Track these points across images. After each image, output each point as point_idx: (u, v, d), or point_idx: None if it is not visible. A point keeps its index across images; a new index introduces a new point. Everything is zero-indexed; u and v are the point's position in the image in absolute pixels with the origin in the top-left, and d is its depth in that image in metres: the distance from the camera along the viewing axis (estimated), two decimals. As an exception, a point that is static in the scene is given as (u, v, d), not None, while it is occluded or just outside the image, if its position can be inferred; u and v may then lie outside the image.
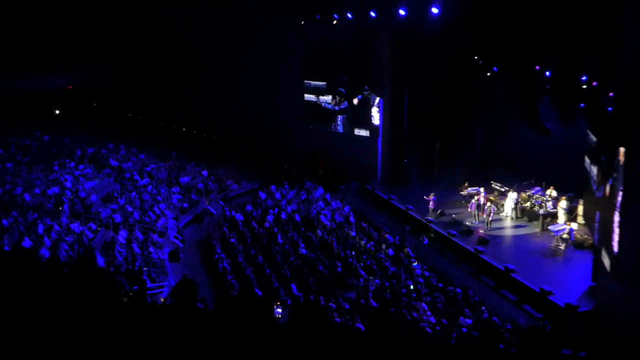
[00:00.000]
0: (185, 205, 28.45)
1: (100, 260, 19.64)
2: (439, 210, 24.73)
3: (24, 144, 32.47)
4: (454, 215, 24.33)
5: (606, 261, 16.27)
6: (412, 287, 18.31)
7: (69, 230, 22.45)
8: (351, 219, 26.04)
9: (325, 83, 32.09)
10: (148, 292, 17.37)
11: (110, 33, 35.48)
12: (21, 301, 4.65)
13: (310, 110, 33.02)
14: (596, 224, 18.42)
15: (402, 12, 25.25)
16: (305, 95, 32.98)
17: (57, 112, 39.73)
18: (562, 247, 20.63)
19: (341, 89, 31.85)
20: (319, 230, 24.10)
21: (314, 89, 32.74)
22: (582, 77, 20.08)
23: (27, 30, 33.87)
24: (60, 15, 33.81)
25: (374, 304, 17.22)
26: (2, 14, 32.36)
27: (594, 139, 19.54)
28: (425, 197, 25.18)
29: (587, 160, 20.89)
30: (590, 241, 20.33)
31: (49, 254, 19.09)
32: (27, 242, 20.28)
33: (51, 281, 6.53)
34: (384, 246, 22.32)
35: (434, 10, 23.78)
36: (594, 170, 19.19)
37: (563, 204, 22.33)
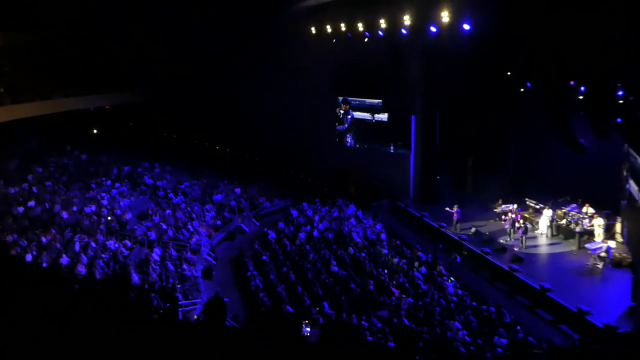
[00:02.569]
0: (219, 222, 28.70)
1: (135, 277, 19.93)
2: (473, 228, 24.50)
3: (63, 163, 33.26)
4: (487, 233, 24.03)
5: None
6: (443, 308, 18.07)
7: (105, 247, 22.86)
8: (383, 236, 25.91)
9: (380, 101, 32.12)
10: (181, 309, 17.52)
11: (146, 55, 36.28)
12: (56, 316, 4.76)
13: (358, 128, 33.13)
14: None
15: (433, 29, 25.27)
16: (356, 113, 33.11)
17: (95, 131, 40.63)
18: (600, 265, 20.16)
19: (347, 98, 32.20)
20: (351, 248, 24.04)
21: (369, 107, 32.59)
22: (618, 92, 19.73)
23: (68, 52, 34.85)
24: (100, 37, 34.71)
25: (407, 322, 17.06)
26: (47, 34, 33.46)
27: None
28: (447, 209, 25.41)
29: (627, 177, 20.45)
30: (629, 260, 19.84)
31: (86, 271, 19.46)
32: (64, 259, 20.71)
33: (86, 297, 6.66)
34: (416, 264, 22.14)
35: (466, 26, 23.75)
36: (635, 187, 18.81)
37: (599, 221, 21.86)
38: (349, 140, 33.17)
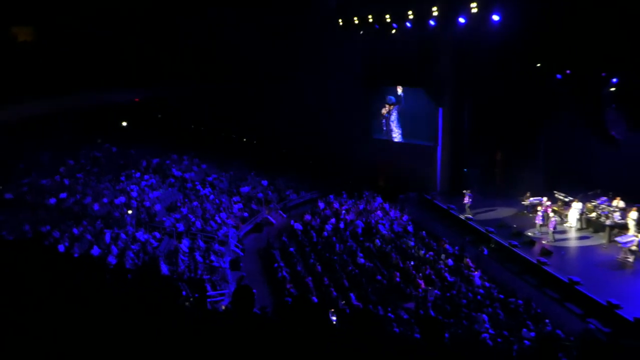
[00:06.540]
0: (246, 214, 28.92)
1: (164, 268, 20.23)
2: (500, 222, 24.40)
3: (93, 156, 33.80)
4: (515, 226, 23.83)
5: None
6: (470, 300, 17.98)
7: (134, 239, 23.21)
8: (410, 228, 25.88)
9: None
10: (209, 299, 17.73)
11: (174, 50, 36.71)
12: (88, 305, 4.88)
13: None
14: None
15: (462, 20, 25.03)
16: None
17: (124, 124, 41.15)
18: (631, 259, 19.81)
19: (391, 97, 31.84)
20: (377, 240, 24.04)
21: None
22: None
23: (99, 46, 35.36)
24: (131, 33, 35.16)
25: (433, 314, 17.03)
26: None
27: None
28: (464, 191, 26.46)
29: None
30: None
31: (116, 262, 19.81)
32: (95, 250, 21.10)
33: (117, 287, 6.81)
34: (443, 256, 22.06)
35: (495, 17, 23.48)
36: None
37: (634, 214, 21.45)
38: (395, 136, 32.89)
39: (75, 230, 22.95)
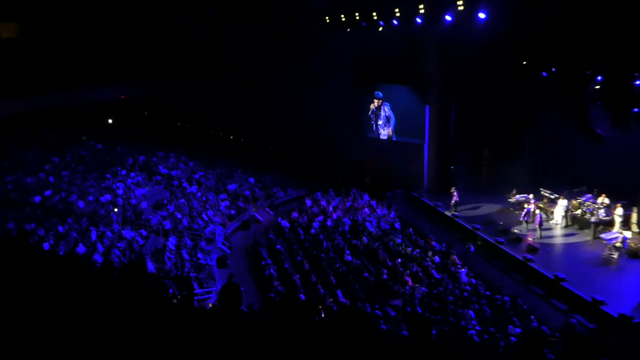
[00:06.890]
0: (233, 212, 28.83)
1: (151, 266, 20.12)
2: (486, 219, 24.53)
3: (79, 153, 33.52)
4: (501, 223, 23.96)
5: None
6: (457, 297, 18.05)
7: (120, 236, 23.07)
8: (397, 225, 25.95)
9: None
10: (196, 297, 17.68)
11: (162, 46, 36.45)
12: (75, 303, 4.84)
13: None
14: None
15: (448, 17, 25.12)
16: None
17: (110, 121, 40.85)
18: (615, 256, 20.00)
19: (378, 93, 31.74)
20: (364, 237, 24.09)
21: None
22: (636, 81, 19.51)
23: (85, 42, 35.04)
24: (119, 29, 34.87)
25: (420, 311, 17.10)
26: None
27: None
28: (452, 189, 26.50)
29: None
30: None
31: (102, 260, 19.66)
32: (81, 248, 20.94)
33: (104, 285, 6.76)
34: (430, 253, 22.15)
35: (481, 15, 23.58)
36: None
37: (619, 211, 21.65)
38: (382, 134, 32.54)
39: (60, 228, 22.75)
